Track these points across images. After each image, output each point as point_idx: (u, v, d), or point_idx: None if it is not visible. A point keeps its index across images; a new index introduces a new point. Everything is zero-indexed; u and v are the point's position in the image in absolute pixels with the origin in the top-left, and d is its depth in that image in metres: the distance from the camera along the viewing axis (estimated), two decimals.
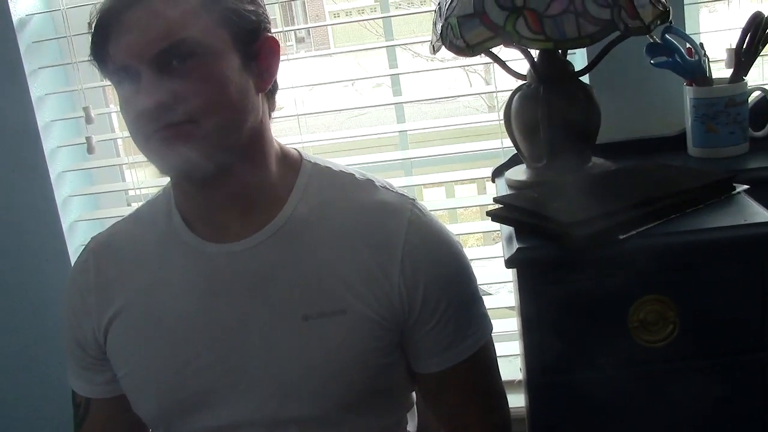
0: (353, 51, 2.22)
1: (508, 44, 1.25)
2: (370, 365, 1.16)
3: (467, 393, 1.25)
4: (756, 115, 1.46)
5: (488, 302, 1.26)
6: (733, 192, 1.23)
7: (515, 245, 1.13)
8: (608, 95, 1.48)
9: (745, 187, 1.23)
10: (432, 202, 2.05)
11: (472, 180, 1.98)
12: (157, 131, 1.05)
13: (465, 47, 1.25)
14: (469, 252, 1.80)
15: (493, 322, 1.25)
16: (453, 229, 1.39)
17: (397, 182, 1.90)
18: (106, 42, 1.05)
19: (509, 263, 1.11)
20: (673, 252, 1.11)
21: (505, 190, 1.41)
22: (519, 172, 1.41)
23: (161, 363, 1.17)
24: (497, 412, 1.29)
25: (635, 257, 1.11)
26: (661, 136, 1.54)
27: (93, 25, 1.07)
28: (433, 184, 1.99)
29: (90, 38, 1.08)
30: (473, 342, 1.21)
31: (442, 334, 1.19)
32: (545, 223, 1.13)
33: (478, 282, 1.23)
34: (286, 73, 1.69)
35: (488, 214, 1.22)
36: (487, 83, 4.99)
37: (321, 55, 1.98)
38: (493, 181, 1.53)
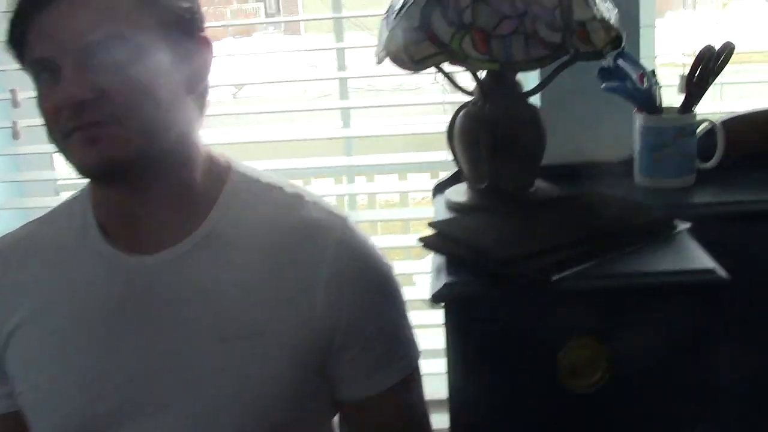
0: (296, 20, 2.14)
1: (453, 62, 1.19)
2: (288, 392, 1.10)
3: (391, 422, 1.20)
4: (704, 146, 1.42)
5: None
6: (675, 231, 1.18)
7: (443, 278, 1.08)
8: (558, 116, 1.43)
9: (687, 225, 1.19)
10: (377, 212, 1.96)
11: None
12: (76, 130, 0.98)
13: (409, 62, 1.19)
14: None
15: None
16: (406, 240, 1.34)
17: (341, 189, 1.86)
18: (24, 29, 0.98)
19: (435, 299, 1.06)
20: (606, 295, 1.08)
21: (443, 211, 1.36)
22: (459, 193, 1.36)
23: (65, 382, 1.10)
24: None
25: (568, 299, 1.07)
26: (609, 161, 1.49)
27: (13, 8, 1.00)
28: (376, 193, 1.90)
29: (7, 21, 1.00)
30: (399, 369, 1.16)
31: (367, 361, 1.14)
32: (478, 257, 1.08)
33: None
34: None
35: (421, 241, 1.17)
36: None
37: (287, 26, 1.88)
38: (434, 197, 1.47)
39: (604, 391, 1.10)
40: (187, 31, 1.05)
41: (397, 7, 1.23)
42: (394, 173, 2.00)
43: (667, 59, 1.67)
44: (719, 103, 1.74)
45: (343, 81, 1.79)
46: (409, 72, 1.20)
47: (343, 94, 1.83)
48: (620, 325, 1.09)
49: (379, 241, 1.85)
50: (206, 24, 1.10)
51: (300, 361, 1.09)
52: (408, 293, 1.21)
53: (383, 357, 1.14)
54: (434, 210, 1.40)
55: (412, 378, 1.18)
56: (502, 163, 1.28)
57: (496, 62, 1.14)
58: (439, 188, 1.47)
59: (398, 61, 1.20)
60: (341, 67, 1.81)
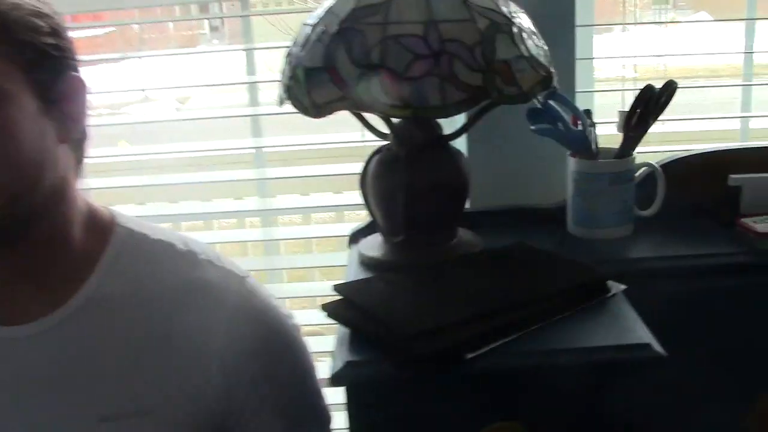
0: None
1: (360, 108, 1.05)
2: None
3: None
4: (643, 191, 1.30)
5: None
6: (608, 295, 1.06)
7: (345, 356, 0.94)
8: (487, 160, 1.32)
9: (622, 288, 1.07)
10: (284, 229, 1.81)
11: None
12: None
13: (311, 107, 1.05)
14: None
15: None
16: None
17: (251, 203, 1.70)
18: None
19: (335, 381, 0.92)
20: (529, 375, 0.95)
21: (355, 265, 1.22)
22: (374, 247, 1.23)
23: None
24: None
25: (485, 379, 0.94)
26: (539, 207, 1.37)
27: None
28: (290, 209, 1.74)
29: None
30: None
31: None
32: (384, 331, 0.95)
33: None
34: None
35: (323, 308, 1.03)
36: None
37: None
38: (349, 247, 1.34)
39: None
40: (55, 71, 0.92)
41: (300, 41, 1.09)
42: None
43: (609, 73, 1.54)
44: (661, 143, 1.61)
45: (254, 118, 1.64)
46: (312, 117, 1.06)
47: (255, 131, 1.68)
48: (545, 407, 0.97)
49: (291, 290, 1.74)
50: (79, 60, 0.96)
51: None
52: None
53: (290, 428, 1.05)
54: (348, 262, 1.27)
55: None
56: (419, 215, 1.15)
57: (408, 108, 1.01)
58: (355, 237, 1.34)
59: (299, 105, 1.07)
60: (253, 101, 1.66)
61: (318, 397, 1.11)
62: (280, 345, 1.07)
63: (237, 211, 1.68)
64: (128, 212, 1.08)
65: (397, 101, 1.01)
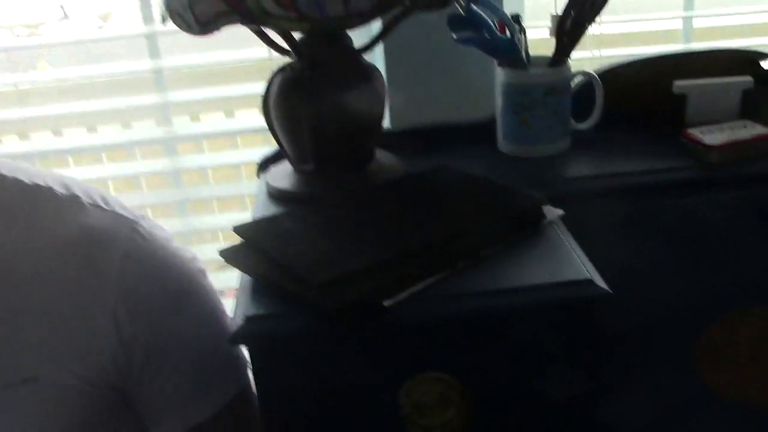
0: None
1: (252, 23, 0.91)
2: None
3: None
4: (579, 103, 1.18)
5: None
6: (544, 222, 0.94)
7: (246, 310, 0.81)
8: (404, 73, 1.19)
9: (559, 214, 0.95)
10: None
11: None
12: None
13: (194, 23, 0.90)
14: None
15: None
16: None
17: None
18: None
19: (236, 339, 0.80)
20: (454, 322, 0.83)
21: (264, 198, 1.09)
22: (283, 177, 1.09)
23: None
24: None
25: (406, 329, 0.83)
26: (466, 124, 1.24)
27: None
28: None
29: None
30: (221, 393, 0.97)
31: (177, 391, 0.94)
32: (290, 280, 0.82)
33: None
34: None
35: (221, 254, 0.90)
36: None
37: None
38: (258, 177, 1.20)
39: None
40: None
41: None
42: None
43: None
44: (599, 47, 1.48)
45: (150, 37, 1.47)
46: (197, 35, 0.91)
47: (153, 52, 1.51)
48: (477, 357, 0.86)
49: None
50: None
51: (87, 406, 0.89)
52: None
53: (198, 386, 0.95)
54: (257, 193, 1.13)
55: (240, 395, 0.99)
56: (329, 141, 1.01)
57: (306, 21, 0.87)
58: (265, 165, 1.20)
59: (182, 23, 0.92)
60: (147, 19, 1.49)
61: (227, 348, 0.99)
62: (181, 294, 0.96)
63: (136, 141, 1.51)
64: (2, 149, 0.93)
65: (292, 14, 0.86)
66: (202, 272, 1.00)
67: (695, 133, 1.12)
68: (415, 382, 0.85)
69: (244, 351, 1.01)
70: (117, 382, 0.91)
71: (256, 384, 0.85)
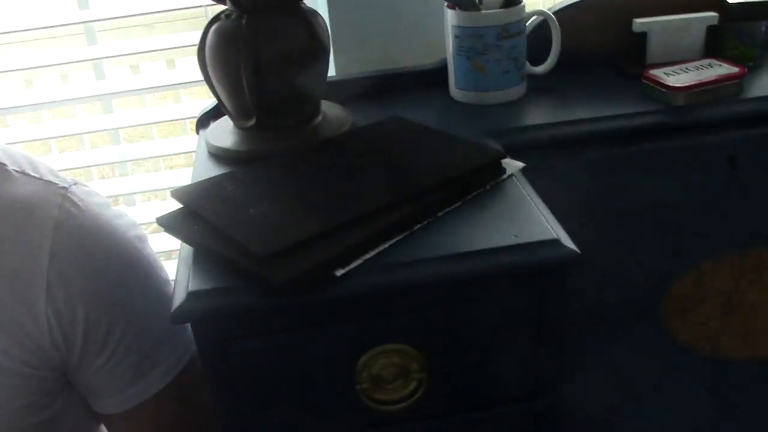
0: None
1: None
2: (21, 426, 0.83)
3: (165, 429, 0.94)
4: (535, 45, 1.11)
5: None
6: (504, 177, 0.88)
7: (187, 284, 0.74)
8: (348, 18, 1.12)
9: (519, 166, 0.90)
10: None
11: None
12: None
13: None
14: None
15: None
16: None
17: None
18: None
19: (177, 317, 0.73)
20: (413, 290, 0.77)
21: (204, 157, 1.01)
22: (223, 134, 1.02)
23: None
24: None
25: (360, 299, 0.76)
26: (415, 70, 1.17)
27: None
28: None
29: None
30: (167, 369, 0.91)
31: (122, 369, 0.87)
32: (234, 251, 0.75)
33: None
34: None
35: (158, 222, 0.82)
36: None
37: None
38: (198, 132, 1.12)
39: (421, 405, 0.83)
40: None
41: None
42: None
43: None
44: None
45: None
46: None
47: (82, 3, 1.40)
48: (436, 326, 0.80)
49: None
50: None
51: (27, 390, 0.83)
52: None
53: (143, 361, 0.88)
54: (196, 151, 1.05)
55: (187, 369, 0.93)
56: (270, 93, 0.94)
57: None
58: (205, 121, 1.12)
59: None
60: None
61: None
62: (120, 265, 0.88)
63: (69, 100, 1.41)
64: None
65: None
66: (142, 239, 0.93)
67: (658, 74, 1.07)
68: (371, 355, 0.80)
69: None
70: (57, 366, 0.85)
71: (203, 363, 0.78)
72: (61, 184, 0.87)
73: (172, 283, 0.87)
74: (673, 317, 1.01)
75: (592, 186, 1.02)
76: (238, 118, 0.99)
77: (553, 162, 0.98)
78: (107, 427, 0.98)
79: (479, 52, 1.07)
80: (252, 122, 0.97)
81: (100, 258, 0.85)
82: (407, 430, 0.85)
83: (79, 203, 0.86)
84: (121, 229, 0.89)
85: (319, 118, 1.02)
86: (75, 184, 0.89)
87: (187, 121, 1.50)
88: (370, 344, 0.79)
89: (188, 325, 0.93)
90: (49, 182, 0.86)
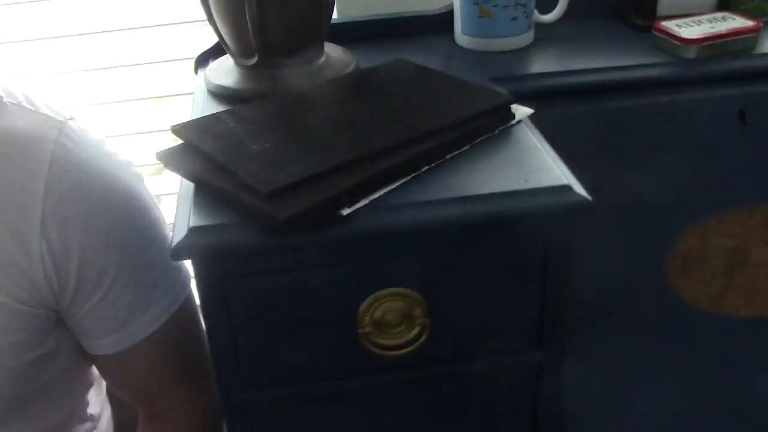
0: None
1: None
2: (13, 364, 0.82)
3: (160, 375, 0.94)
4: None
5: None
6: (513, 122, 0.86)
7: (188, 220, 0.72)
8: None
9: (528, 113, 0.88)
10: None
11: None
12: None
13: None
14: None
15: None
16: None
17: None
18: None
19: (178, 253, 0.71)
20: (418, 232, 0.75)
21: (203, 96, 0.98)
22: (224, 72, 0.99)
23: None
24: (204, 390, 0.98)
25: (365, 239, 0.74)
26: (421, 14, 1.14)
27: None
28: None
29: None
30: (161, 310, 0.90)
31: (115, 309, 0.86)
32: (237, 187, 0.73)
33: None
34: None
35: (157, 157, 0.80)
36: None
37: None
38: (196, 72, 1.09)
39: (423, 352, 0.81)
40: None
41: None
42: None
43: None
44: None
45: None
46: None
47: None
48: (443, 269, 0.78)
49: None
50: None
51: (19, 327, 0.82)
52: None
53: (137, 302, 0.87)
54: (195, 91, 1.03)
55: (181, 312, 0.92)
56: (273, 31, 0.91)
57: None
58: (204, 60, 1.09)
59: None
60: None
61: (167, 257, 0.89)
62: (116, 203, 0.86)
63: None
64: None
65: None
66: (138, 177, 0.91)
67: (669, 26, 1.04)
68: (375, 299, 0.78)
69: (187, 263, 0.93)
70: (50, 303, 0.83)
71: (201, 301, 0.77)
72: (59, 118, 0.85)
73: (168, 225, 0.86)
74: (676, 274, 1.00)
75: (597, 137, 1.00)
76: (240, 56, 0.96)
77: (558, 111, 0.96)
78: (98, 368, 0.97)
79: None
80: (254, 60, 0.94)
81: (96, 195, 0.83)
82: (407, 377, 0.83)
83: (76, 138, 0.84)
84: (118, 166, 0.87)
85: (323, 58, 0.99)
86: (71, 119, 0.86)
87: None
88: (374, 287, 0.77)
89: (183, 266, 0.91)
90: (46, 116, 0.84)
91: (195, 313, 0.96)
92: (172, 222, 0.75)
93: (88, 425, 1.03)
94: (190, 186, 0.78)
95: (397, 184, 0.76)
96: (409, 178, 0.77)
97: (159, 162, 0.80)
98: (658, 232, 1.02)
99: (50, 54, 1.39)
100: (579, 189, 0.75)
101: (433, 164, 0.79)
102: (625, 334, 1.02)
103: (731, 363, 1.01)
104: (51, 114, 0.85)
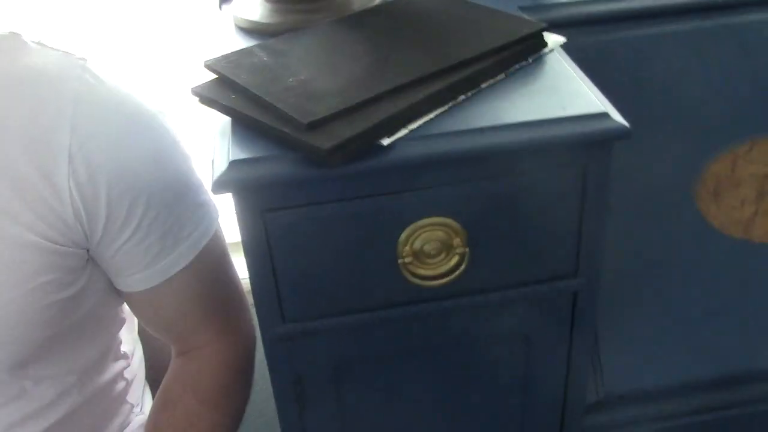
0: None
1: None
2: (45, 303, 0.82)
3: (191, 310, 0.94)
4: None
5: None
6: (545, 51, 0.86)
7: (228, 153, 0.72)
8: None
9: (561, 41, 0.87)
10: None
11: None
12: None
13: None
14: None
15: None
16: None
17: None
18: None
19: (219, 186, 0.71)
20: (458, 160, 0.75)
21: (231, 30, 0.98)
22: (252, 6, 0.98)
23: None
24: (235, 323, 0.99)
25: (406, 169, 0.75)
26: None
27: None
28: None
29: None
30: (191, 245, 0.89)
31: (145, 245, 0.86)
32: (275, 119, 0.73)
33: None
34: None
35: (193, 92, 0.80)
36: None
37: None
38: (221, 8, 1.08)
39: (462, 281, 0.81)
40: None
41: None
42: None
43: None
44: None
45: None
46: None
47: None
48: (481, 197, 0.79)
49: None
50: None
51: (50, 265, 0.81)
52: None
53: (167, 235, 0.87)
54: (220, 27, 1.02)
55: (210, 248, 0.92)
56: None
57: None
58: None
59: None
60: None
61: (198, 192, 0.91)
62: (142, 139, 0.85)
63: None
64: None
65: None
66: (163, 113, 0.90)
67: None
68: (414, 229, 0.78)
69: (212, 197, 0.93)
70: (80, 241, 0.83)
71: (242, 234, 0.77)
72: (81, 56, 0.84)
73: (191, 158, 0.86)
74: (706, 200, 1.00)
75: (625, 65, 0.99)
76: None
77: (585, 39, 0.95)
78: (129, 304, 0.97)
79: None
80: None
81: (122, 131, 0.83)
82: (447, 307, 0.84)
83: (100, 75, 0.83)
84: (142, 102, 0.87)
85: None
86: (91, 58, 0.86)
87: None
88: (414, 217, 0.77)
89: (210, 199, 0.92)
90: (67, 53, 0.84)
91: (224, 246, 0.96)
92: (211, 158, 0.75)
93: (122, 363, 1.03)
94: (227, 120, 0.78)
95: (436, 113, 0.76)
96: (447, 107, 0.77)
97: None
98: (687, 159, 1.02)
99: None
100: (617, 116, 0.75)
101: (470, 93, 0.79)
102: (650, 259, 1.02)
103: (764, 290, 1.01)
104: (71, 52, 0.85)
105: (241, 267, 0.89)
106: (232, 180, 0.71)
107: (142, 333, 1.13)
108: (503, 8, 0.92)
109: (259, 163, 0.72)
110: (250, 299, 0.89)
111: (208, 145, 0.80)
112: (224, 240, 0.96)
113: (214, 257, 0.94)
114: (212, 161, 0.75)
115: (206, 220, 0.91)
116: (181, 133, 0.92)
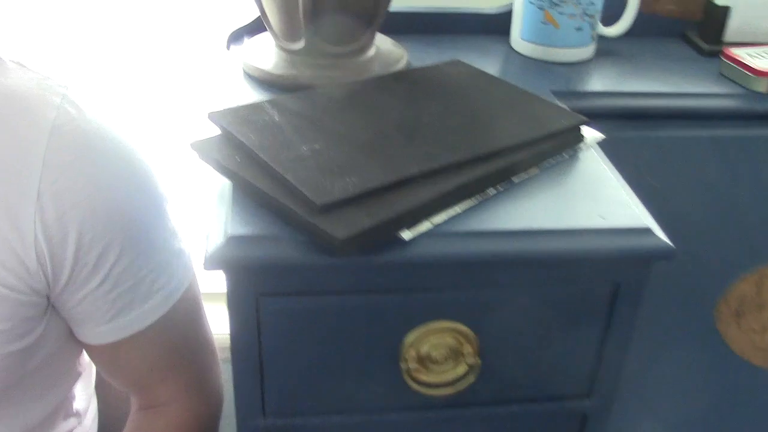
0: None
1: None
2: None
3: (157, 365, 0.86)
4: (608, 4, 1.01)
5: None
6: (581, 146, 0.79)
7: (226, 226, 0.64)
8: None
9: (600, 138, 0.80)
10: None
11: None
12: None
13: None
14: None
15: None
16: None
17: None
18: None
19: (212, 263, 0.62)
20: (482, 264, 0.68)
21: (238, 76, 0.89)
22: (264, 53, 0.90)
23: None
24: (204, 380, 0.90)
25: (423, 267, 0.67)
26: (478, 12, 1.06)
27: None
28: None
29: None
30: (164, 298, 0.81)
31: (113, 296, 0.77)
32: (283, 195, 0.64)
33: None
34: None
35: (193, 147, 0.71)
36: None
37: None
38: (229, 48, 1.00)
39: (467, 393, 0.74)
40: None
41: None
42: None
43: None
44: None
45: None
46: None
47: None
48: (501, 306, 0.71)
49: None
50: None
51: (7, 315, 0.73)
52: None
53: (138, 289, 0.78)
54: (225, 72, 0.94)
55: (183, 302, 0.83)
56: (326, 15, 0.82)
57: None
58: (237, 36, 1.00)
59: None
60: None
61: (175, 239, 0.82)
62: (119, 180, 0.76)
63: None
64: None
65: None
66: (145, 151, 0.82)
67: (740, 54, 0.97)
68: (423, 332, 0.70)
69: (190, 246, 0.84)
70: (42, 287, 0.75)
71: (231, 315, 0.68)
72: (62, 82, 0.75)
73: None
74: (727, 320, 0.93)
75: (655, 167, 0.93)
76: (285, 38, 0.87)
77: (615, 134, 0.88)
78: (90, 355, 0.89)
79: (553, 2, 0.96)
80: (301, 45, 0.86)
81: (100, 170, 0.74)
82: (447, 417, 0.75)
83: (81, 105, 0.74)
84: (123, 136, 0.78)
85: (372, 51, 0.91)
86: (74, 83, 0.77)
87: None
88: (424, 319, 0.69)
89: (187, 248, 0.83)
90: (48, 78, 0.75)
91: (198, 298, 0.88)
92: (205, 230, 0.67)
93: (72, 421, 0.94)
94: (227, 184, 0.70)
95: (463, 207, 0.68)
96: (476, 201, 0.69)
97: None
98: (712, 275, 0.95)
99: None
100: (660, 234, 0.68)
101: (501, 188, 0.71)
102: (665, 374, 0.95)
103: None
104: (53, 77, 0.76)
105: (215, 319, 0.84)
106: (228, 258, 0.63)
107: (99, 386, 1.03)
108: (534, 89, 0.85)
109: (260, 242, 0.64)
110: (222, 354, 0.80)
111: (201, 211, 0.71)
112: (198, 290, 0.88)
113: (187, 310, 0.86)
114: (207, 233, 0.66)
115: (181, 270, 0.83)
116: (160, 171, 0.83)
